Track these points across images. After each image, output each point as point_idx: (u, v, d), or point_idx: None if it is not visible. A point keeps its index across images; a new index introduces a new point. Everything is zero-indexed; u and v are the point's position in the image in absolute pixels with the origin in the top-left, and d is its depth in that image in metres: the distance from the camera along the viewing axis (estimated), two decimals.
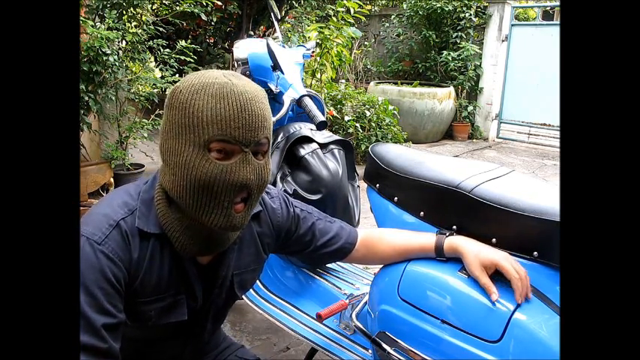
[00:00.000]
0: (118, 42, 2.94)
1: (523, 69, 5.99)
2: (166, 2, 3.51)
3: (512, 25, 6.10)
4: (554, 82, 5.39)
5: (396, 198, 1.19)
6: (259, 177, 0.81)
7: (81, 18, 2.64)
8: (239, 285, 0.99)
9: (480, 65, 6.16)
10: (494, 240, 1.00)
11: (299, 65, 1.74)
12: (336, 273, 1.54)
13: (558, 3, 6.08)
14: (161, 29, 3.21)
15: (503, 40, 6.06)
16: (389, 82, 6.40)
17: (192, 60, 3.20)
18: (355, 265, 1.60)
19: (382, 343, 1.05)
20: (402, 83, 6.25)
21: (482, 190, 1.02)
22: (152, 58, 3.43)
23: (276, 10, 2.11)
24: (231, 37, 5.57)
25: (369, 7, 6.66)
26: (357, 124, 4.30)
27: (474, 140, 6.21)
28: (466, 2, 6.01)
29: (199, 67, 3.79)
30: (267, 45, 1.60)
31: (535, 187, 1.07)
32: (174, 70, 3.23)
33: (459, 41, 6.09)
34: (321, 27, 3.90)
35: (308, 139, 1.54)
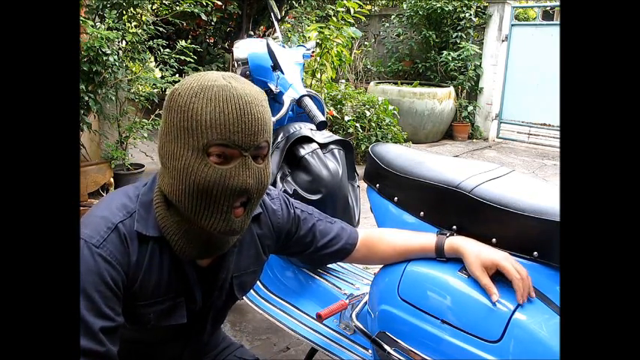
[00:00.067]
0: (118, 42, 2.94)
1: (523, 69, 5.99)
2: (166, 2, 3.51)
3: (512, 25, 6.10)
4: (554, 82, 5.39)
5: (396, 198, 1.19)
6: (259, 181, 0.80)
7: (81, 18, 2.64)
8: (239, 287, 0.98)
9: (480, 65, 6.16)
10: (494, 240, 1.00)
11: (299, 65, 1.74)
12: (336, 273, 1.54)
13: (558, 3, 6.08)
14: (161, 29, 3.21)
15: (503, 40, 6.06)
16: (389, 82, 6.40)
17: (192, 60, 3.20)
18: (355, 265, 1.60)
19: (382, 343, 1.05)
20: (402, 83, 6.25)
21: (482, 190, 1.02)
22: (152, 58, 3.43)
23: (276, 10, 2.11)
24: (231, 37, 5.57)
25: (369, 7, 6.66)
26: (357, 124, 4.30)
27: (474, 140, 6.21)
28: (466, 2, 6.01)
29: (199, 67, 3.78)
30: (267, 45, 1.60)
31: (535, 187, 1.07)
32: (174, 70, 3.23)
33: (458, 41, 6.08)
34: (321, 27, 3.90)
35: (308, 139, 1.54)
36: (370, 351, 1.25)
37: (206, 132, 0.75)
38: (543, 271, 0.94)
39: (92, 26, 2.68)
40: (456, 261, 1.00)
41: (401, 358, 1.02)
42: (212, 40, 5.63)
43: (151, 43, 3.11)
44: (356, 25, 5.10)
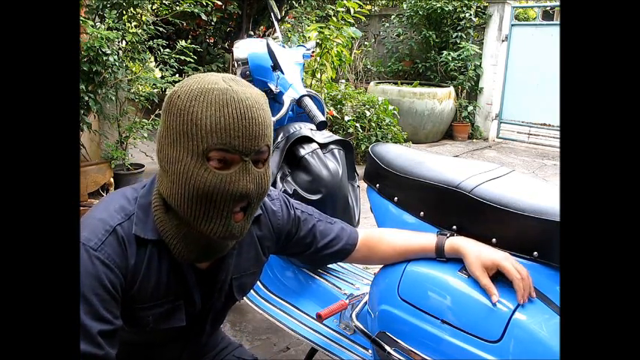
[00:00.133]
0: (118, 42, 2.94)
1: (523, 69, 5.99)
2: (166, 2, 3.51)
3: (512, 25, 6.10)
4: (554, 82, 5.39)
5: (396, 198, 1.19)
6: (259, 186, 0.79)
7: (81, 18, 2.64)
8: (238, 289, 0.98)
9: (480, 65, 6.16)
10: (494, 240, 1.00)
11: (299, 65, 1.74)
12: (336, 273, 1.54)
13: (558, 3, 6.08)
14: (161, 29, 3.20)
15: (503, 40, 6.06)
16: (389, 82, 6.40)
17: (192, 60, 3.20)
18: (355, 265, 1.60)
19: (382, 343, 1.05)
20: (402, 83, 6.25)
21: (483, 190, 1.02)
22: (152, 58, 3.43)
23: (276, 10, 2.11)
24: (231, 37, 5.57)
25: (369, 7, 6.66)
26: (357, 124, 4.30)
27: (474, 140, 6.21)
28: (466, 2, 6.01)
29: (199, 67, 3.78)
30: (267, 45, 1.60)
31: (535, 187, 1.07)
32: (175, 70, 3.23)
33: (458, 41, 6.08)
34: (321, 27, 3.90)
35: (308, 139, 1.54)
36: (370, 351, 1.25)
37: (206, 137, 0.74)
38: (543, 271, 0.94)
39: (92, 26, 2.68)
40: (456, 261, 1.00)
41: (401, 358, 1.02)
42: (212, 40, 5.63)
43: (150, 43, 3.11)
44: (356, 25, 5.10)
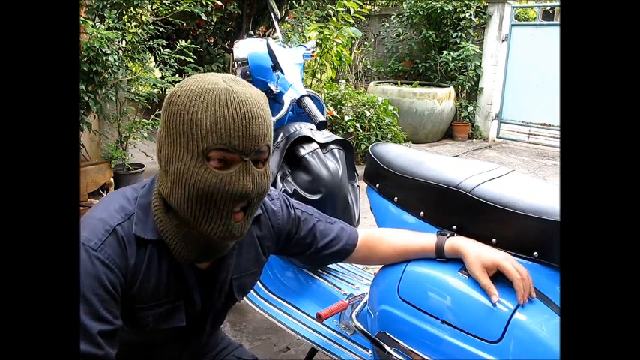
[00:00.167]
0: (118, 42, 2.94)
1: (523, 69, 5.99)
2: (166, 2, 3.51)
3: (512, 25, 6.10)
4: (554, 82, 5.39)
5: (396, 198, 1.19)
6: (259, 186, 0.79)
7: (81, 18, 2.64)
8: (238, 289, 0.98)
9: (480, 65, 6.16)
10: (494, 240, 1.00)
11: (299, 65, 1.74)
12: (336, 273, 1.54)
13: (558, 3, 6.08)
14: (161, 29, 3.20)
15: (503, 40, 6.06)
16: (389, 82, 6.40)
17: (192, 60, 3.19)
18: (355, 265, 1.60)
19: (382, 343, 1.05)
20: (402, 83, 6.25)
21: (482, 190, 1.02)
22: (152, 58, 3.43)
23: (276, 10, 2.11)
24: (231, 37, 5.56)
25: (369, 7, 6.66)
26: (357, 124, 4.30)
27: (474, 140, 6.21)
28: (466, 2, 6.01)
29: (199, 67, 3.78)
30: (267, 45, 1.60)
31: (535, 187, 1.07)
32: (175, 70, 3.23)
33: (459, 41, 6.08)
34: (321, 27, 3.90)
35: (308, 139, 1.54)
36: (370, 351, 1.25)
37: (206, 137, 0.74)
38: (543, 271, 0.94)
39: (92, 26, 2.68)
40: (456, 261, 1.00)
41: (401, 358, 1.02)
42: (212, 40, 5.63)
43: (150, 43, 3.11)
44: (356, 25, 5.10)
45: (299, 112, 1.65)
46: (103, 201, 0.87)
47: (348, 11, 3.93)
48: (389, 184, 1.21)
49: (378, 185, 1.24)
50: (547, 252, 0.93)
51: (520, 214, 0.94)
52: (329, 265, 1.57)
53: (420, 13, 6.22)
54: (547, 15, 8.68)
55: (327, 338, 1.34)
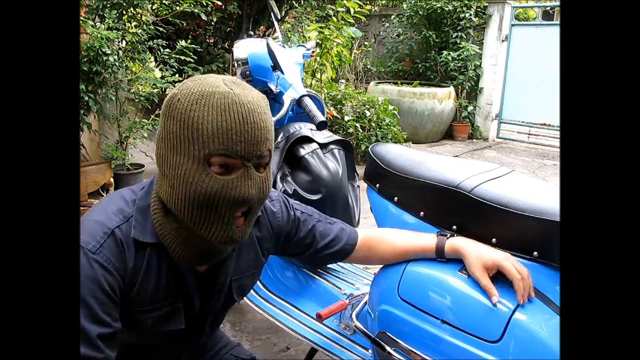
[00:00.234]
0: (118, 42, 2.94)
1: (523, 69, 5.99)
2: (166, 2, 3.51)
3: (512, 25, 6.10)
4: (554, 82, 5.39)
5: (396, 198, 1.19)
6: (260, 191, 0.79)
7: (81, 18, 2.64)
8: (237, 290, 0.98)
9: (480, 65, 6.16)
10: (494, 240, 1.00)
11: (299, 65, 1.74)
12: (336, 273, 1.54)
13: (558, 3, 6.08)
14: (161, 29, 3.20)
15: (503, 40, 6.06)
16: (389, 82, 6.40)
17: (192, 60, 3.19)
18: (355, 265, 1.60)
19: (382, 343, 1.05)
20: (402, 83, 6.25)
21: (482, 190, 1.02)
22: (152, 58, 3.43)
23: (276, 10, 2.11)
24: (231, 37, 5.56)
25: (369, 7, 6.66)
26: (357, 124, 4.30)
27: (474, 140, 6.21)
28: (466, 2, 6.01)
29: (199, 67, 3.78)
30: (267, 45, 1.60)
31: (535, 187, 1.07)
32: (175, 70, 3.23)
33: (459, 41, 6.08)
34: (321, 27, 3.90)
35: (308, 139, 1.54)
36: (370, 351, 1.25)
37: (207, 142, 0.73)
38: (543, 271, 0.94)
39: (92, 26, 2.68)
40: (456, 261, 1.00)
41: (401, 358, 1.02)
42: (212, 40, 5.63)
43: (150, 43, 3.11)
44: (356, 25, 5.10)
45: (299, 112, 1.65)
46: (100, 203, 0.86)
47: (348, 11, 3.93)
48: (389, 184, 1.21)
49: (378, 185, 1.24)
50: (547, 252, 0.93)
51: (520, 214, 0.94)
52: (329, 265, 1.57)
53: (420, 13, 6.22)
54: (547, 15, 8.68)
55: (327, 338, 1.34)
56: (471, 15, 6.01)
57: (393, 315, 1.04)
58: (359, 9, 3.91)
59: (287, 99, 1.53)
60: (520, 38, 6.02)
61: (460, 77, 6.08)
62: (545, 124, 5.97)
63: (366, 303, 1.25)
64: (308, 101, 1.50)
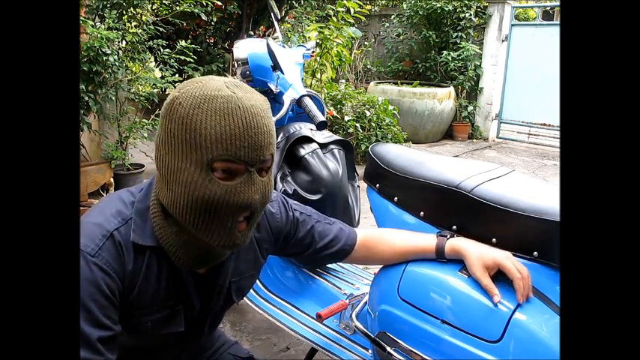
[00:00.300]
0: (118, 42, 2.94)
1: (523, 69, 5.99)
2: (166, 2, 3.51)
3: (512, 25, 6.10)
4: (554, 82, 5.39)
5: (396, 198, 1.19)
6: (263, 196, 0.78)
7: (81, 18, 2.64)
8: (236, 291, 0.98)
9: (480, 65, 6.16)
10: (494, 240, 1.00)
11: (299, 65, 1.74)
12: (336, 273, 1.54)
13: (558, 3, 6.08)
14: (161, 29, 3.20)
15: (503, 40, 6.06)
16: (389, 82, 6.40)
17: (192, 60, 3.20)
18: (355, 265, 1.60)
19: (382, 343, 1.05)
20: (402, 83, 6.25)
21: (483, 190, 1.02)
22: (152, 58, 3.43)
23: (276, 10, 2.11)
24: (231, 37, 5.56)
25: (369, 7, 6.66)
26: (357, 124, 4.30)
27: (474, 140, 6.21)
28: (466, 2, 6.01)
29: (199, 67, 3.78)
30: (267, 45, 1.60)
31: (535, 187, 1.07)
32: (175, 70, 3.23)
33: (459, 41, 6.08)
34: (321, 27, 3.90)
35: (308, 139, 1.54)
36: (370, 351, 1.25)
37: (211, 147, 0.72)
38: (543, 271, 0.94)
39: (92, 26, 2.68)
40: (456, 261, 1.00)
41: (401, 358, 1.02)
42: (212, 40, 5.63)
43: (150, 43, 3.11)
44: (356, 25, 5.10)
45: (299, 112, 1.65)
46: (98, 205, 0.85)
47: (348, 11, 3.93)
48: (389, 184, 1.21)
49: (378, 185, 1.24)
50: (547, 252, 0.93)
51: (520, 214, 0.94)
52: (329, 265, 1.57)
53: (420, 13, 6.22)
54: (547, 15, 8.68)
55: (327, 338, 1.34)
56: (471, 15, 6.01)
57: (393, 315, 1.04)
58: (359, 9, 3.91)
59: (287, 99, 1.53)
60: (520, 38, 6.02)
61: (460, 77, 6.08)
62: (545, 124, 5.97)
63: (366, 303, 1.25)
64: (308, 101, 1.50)
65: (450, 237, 1.03)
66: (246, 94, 0.75)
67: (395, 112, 4.64)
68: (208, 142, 0.72)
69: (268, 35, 4.06)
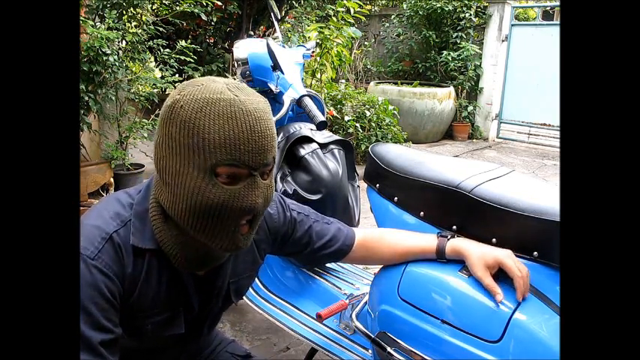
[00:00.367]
0: (118, 42, 2.94)
1: (523, 69, 5.99)
2: (166, 2, 3.52)
3: (512, 25, 6.10)
4: (554, 82, 5.39)
5: (396, 198, 1.19)
6: (266, 199, 0.78)
7: (81, 18, 2.64)
8: (235, 292, 0.98)
9: (480, 65, 6.16)
10: (494, 240, 1.00)
11: (299, 65, 1.74)
12: (336, 273, 1.54)
13: (558, 3, 6.08)
14: (161, 29, 3.20)
15: (503, 40, 6.06)
16: (389, 82, 6.40)
17: (192, 60, 3.20)
18: (355, 265, 1.60)
19: (382, 343, 1.05)
20: (402, 83, 6.25)
21: (483, 190, 1.02)
22: (152, 58, 3.43)
23: (276, 10, 2.11)
24: (231, 37, 5.56)
25: (369, 7, 6.66)
26: (357, 124, 4.30)
27: (474, 140, 6.21)
28: (466, 2, 6.01)
29: (199, 67, 3.78)
30: (267, 45, 1.60)
31: (535, 187, 1.07)
32: (175, 70, 3.23)
33: (459, 41, 6.09)
34: (321, 27, 3.90)
35: (308, 139, 1.54)
36: (370, 351, 1.25)
37: (215, 152, 0.71)
38: (543, 271, 0.94)
39: (92, 26, 2.68)
40: (456, 261, 1.00)
41: (401, 358, 1.02)
42: (212, 40, 5.63)
43: (151, 43, 3.11)
44: (356, 25, 5.10)
45: (299, 112, 1.65)
46: (95, 207, 0.84)
47: (348, 11, 3.93)
48: (389, 184, 1.21)
49: (378, 185, 1.24)
50: (547, 252, 0.93)
51: (520, 214, 0.94)
52: (329, 265, 1.57)
53: (420, 13, 6.22)
54: (547, 15, 8.68)
55: (327, 338, 1.34)
56: (471, 15, 6.01)
57: (393, 315, 1.04)
58: (359, 9, 3.91)
59: (287, 99, 1.53)
60: (520, 38, 6.02)
61: (460, 77, 6.08)
62: (545, 124, 5.97)
63: (366, 303, 1.25)
64: (308, 101, 1.50)
65: (451, 238, 1.03)
66: (248, 96, 0.74)
67: (395, 112, 4.64)
68: (212, 146, 0.71)
69: (268, 35, 4.06)
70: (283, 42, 2.04)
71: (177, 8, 3.27)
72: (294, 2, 5.58)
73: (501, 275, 0.94)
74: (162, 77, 3.24)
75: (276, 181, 1.48)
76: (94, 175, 3.02)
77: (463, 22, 6.06)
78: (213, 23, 5.23)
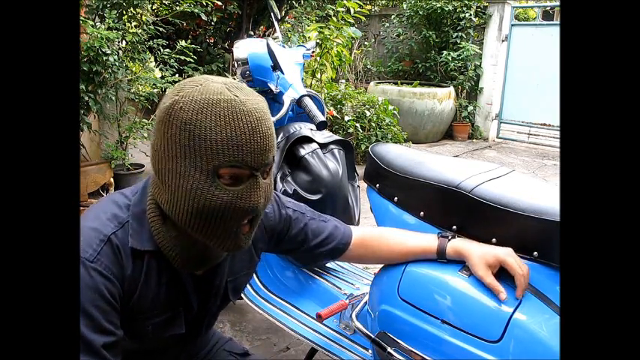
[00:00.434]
0: (118, 42, 2.94)
1: (523, 69, 5.99)
2: (166, 2, 3.52)
3: (512, 25, 6.10)
4: (554, 82, 5.39)
5: (396, 198, 1.19)
6: (267, 198, 0.78)
7: (81, 18, 2.64)
8: (233, 291, 0.98)
9: (480, 65, 6.16)
10: (494, 240, 1.00)
11: (299, 65, 1.74)
12: (336, 273, 1.54)
13: (558, 3, 6.08)
14: (161, 29, 3.20)
15: (503, 40, 6.06)
16: (389, 82, 6.40)
17: (192, 60, 3.20)
18: (355, 265, 1.60)
19: (382, 343, 1.05)
20: (402, 83, 6.25)
21: (483, 190, 1.02)
22: (152, 58, 3.43)
23: (276, 10, 2.11)
24: (231, 37, 5.56)
25: (369, 7, 6.66)
26: (357, 124, 4.30)
27: (474, 140, 6.21)
28: (466, 2, 6.01)
29: (199, 67, 3.78)
30: (267, 45, 1.60)
31: (535, 187, 1.07)
32: (175, 70, 3.23)
33: (459, 41, 6.08)
34: (321, 27, 3.90)
35: (308, 139, 1.54)
36: (370, 351, 1.25)
37: (217, 153, 0.71)
38: (543, 271, 0.94)
39: (92, 26, 2.68)
40: (456, 261, 1.00)
41: (401, 358, 1.02)
42: (212, 40, 5.62)
43: (151, 43, 3.11)
44: (356, 25, 5.10)
45: (299, 112, 1.65)
46: (91, 209, 0.83)
47: (348, 11, 3.93)
48: (389, 184, 1.21)
49: (378, 185, 1.24)
50: (547, 252, 0.93)
51: (520, 214, 0.94)
52: (329, 265, 1.57)
53: (420, 13, 6.22)
54: (547, 15, 8.68)
55: (327, 338, 1.34)
56: (470, 15, 6.01)
57: (393, 315, 1.04)
58: (359, 9, 3.91)
59: (287, 99, 1.53)
60: (520, 38, 6.02)
61: (460, 77, 6.08)
62: (545, 124, 5.97)
63: (366, 303, 1.25)
64: (308, 101, 1.50)
65: (452, 238, 1.03)
66: (247, 96, 0.74)
67: (395, 112, 4.64)
68: (214, 148, 0.71)
69: (268, 35, 4.06)
70: (283, 42, 2.04)
71: (177, 8, 3.27)
72: (294, 2, 5.58)
73: (501, 274, 0.94)
74: (163, 77, 3.24)
75: (275, 181, 1.48)
76: (94, 175, 3.02)
77: (463, 22, 6.06)
78: (213, 23, 5.23)
